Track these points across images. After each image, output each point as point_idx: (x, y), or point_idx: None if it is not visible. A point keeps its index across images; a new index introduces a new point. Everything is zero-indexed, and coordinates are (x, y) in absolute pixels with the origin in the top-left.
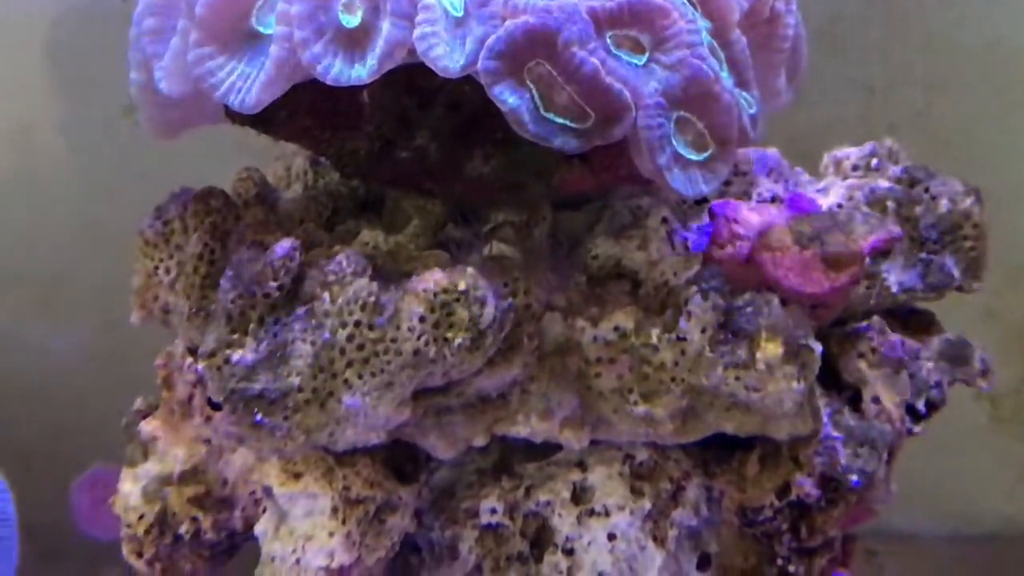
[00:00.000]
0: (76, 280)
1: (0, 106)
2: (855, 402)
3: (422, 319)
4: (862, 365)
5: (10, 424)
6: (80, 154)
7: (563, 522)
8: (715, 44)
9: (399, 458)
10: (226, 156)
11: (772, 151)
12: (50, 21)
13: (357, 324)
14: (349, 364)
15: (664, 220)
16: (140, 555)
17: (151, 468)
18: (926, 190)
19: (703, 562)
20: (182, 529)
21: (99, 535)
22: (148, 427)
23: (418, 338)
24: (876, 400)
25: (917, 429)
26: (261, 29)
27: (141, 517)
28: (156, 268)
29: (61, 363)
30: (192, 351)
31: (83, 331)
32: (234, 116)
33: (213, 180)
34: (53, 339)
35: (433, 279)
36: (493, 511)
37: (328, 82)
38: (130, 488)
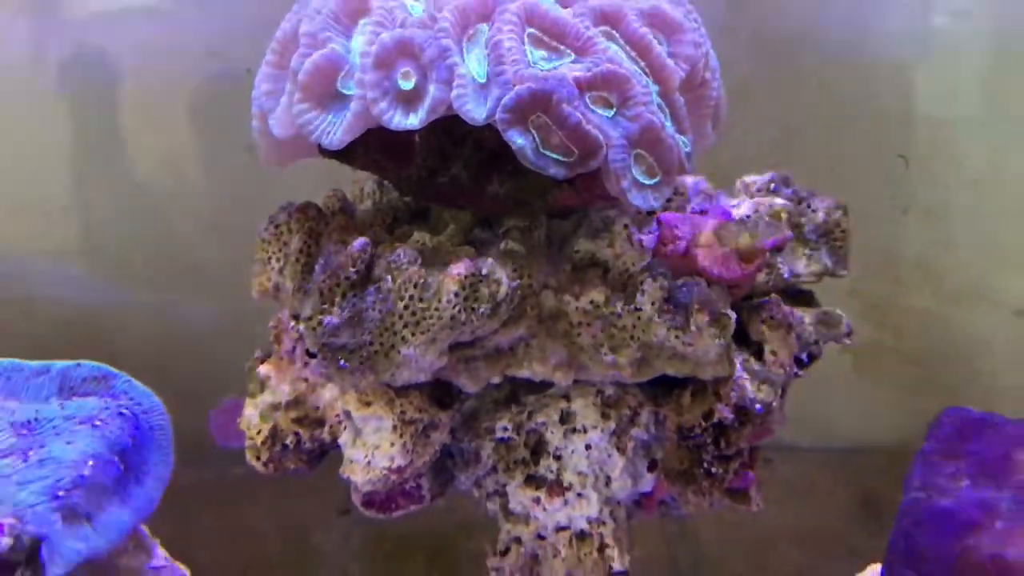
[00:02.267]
0: (214, 268)
1: (161, 143)
2: (759, 354)
3: (456, 294)
4: (763, 328)
5: (174, 371)
6: (216, 177)
7: (554, 436)
8: (662, 102)
9: (439, 392)
10: (319, 180)
11: (701, 178)
12: (195, 86)
13: (411, 298)
14: (405, 326)
15: (626, 226)
16: (259, 459)
17: (266, 398)
18: (809, 205)
19: (652, 465)
20: (287, 440)
21: (230, 446)
22: (263, 369)
23: (453, 308)
24: (774, 353)
25: (801, 373)
26: (344, 91)
27: (259, 432)
28: (269, 259)
29: (205, 327)
30: (295, 317)
31: (220, 304)
32: (324, 152)
33: (310, 196)
34: (200, 310)
35: (464, 266)
36: (505, 429)
37: (391, 128)
38: (251, 412)
